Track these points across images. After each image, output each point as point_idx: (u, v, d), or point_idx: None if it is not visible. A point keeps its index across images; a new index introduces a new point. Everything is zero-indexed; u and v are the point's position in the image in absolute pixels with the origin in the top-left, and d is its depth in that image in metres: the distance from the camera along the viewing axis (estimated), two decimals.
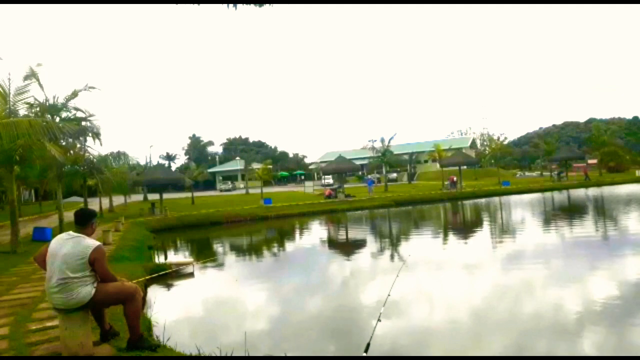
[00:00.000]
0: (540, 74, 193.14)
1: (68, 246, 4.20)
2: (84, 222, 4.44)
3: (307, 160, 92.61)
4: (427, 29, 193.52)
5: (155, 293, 9.79)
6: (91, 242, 4.27)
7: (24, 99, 14.06)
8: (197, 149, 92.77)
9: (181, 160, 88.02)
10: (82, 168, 26.71)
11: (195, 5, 4.31)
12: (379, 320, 4.16)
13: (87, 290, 4.18)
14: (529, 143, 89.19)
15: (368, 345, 3.56)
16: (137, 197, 43.25)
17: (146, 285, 9.23)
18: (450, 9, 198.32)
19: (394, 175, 62.97)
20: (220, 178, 73.89)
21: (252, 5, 4.27)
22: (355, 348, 6.03)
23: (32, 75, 14.51)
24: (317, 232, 22.23)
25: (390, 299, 4.92)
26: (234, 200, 36.48)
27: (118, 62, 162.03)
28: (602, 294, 7.90)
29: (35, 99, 17.00)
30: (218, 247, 18.99)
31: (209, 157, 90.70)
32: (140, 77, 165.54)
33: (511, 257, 12.21)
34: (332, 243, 17.87)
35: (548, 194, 37.33)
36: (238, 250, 17.80)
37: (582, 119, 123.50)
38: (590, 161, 62.71)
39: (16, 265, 10.83)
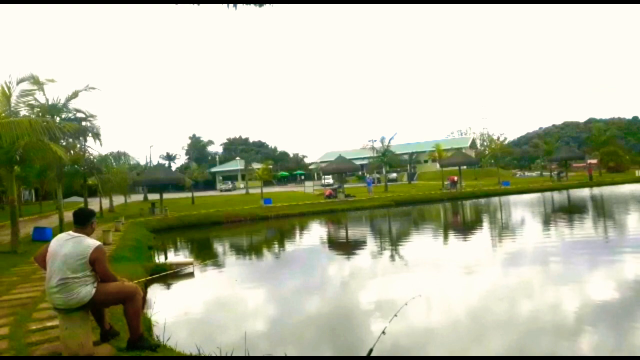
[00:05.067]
0: (541, 74, 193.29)
1: (68, 246, 4.20)
2: (83, 221, 4.44)
3: (307, 160, 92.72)
4: (427, 29, 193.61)
5: (155, 293, 9.80)
6: (92, 242, 4.27)
7: (26, 100, 14.09)
8: (197, 149, 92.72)
9: (181, 160, 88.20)
10: (82, 168, 26.76)
11: (195, 5, 4.31)
12: (383, 333, 3.97)
13: (87, 290, 4.18)
14: (529, 143, 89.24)
15: (370, 351, 3.55)
16: (137, 197, 43.22)
17: (146, 285, 9.23)
18: (450, 9, 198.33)
19: (394, 175, 62.97)
20: (221, 178, 73.87)
21: (252, 5, 4.27)
22: (355, 348, 6.04)
23: (34, 81, 14.52)
24: (317, 232, 22.22)
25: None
26: (234, 200, 36.48)
27: (118, 62, 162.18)
28: (602, 294, 7.91)
29: (36, 100, 17.01)
30: (218, 247, 18.99)
31: (209, 157, 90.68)
32: (140, 77, 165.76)
33: (511, 257, 12.20)
34: (332, 243, 17.87)
35: (548, 194, 37.36)
36: (238, 250, 17.79)
37: (582, 119, 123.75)
38: (590, 161, 62.74)
39: (16, 265, 10.82)
